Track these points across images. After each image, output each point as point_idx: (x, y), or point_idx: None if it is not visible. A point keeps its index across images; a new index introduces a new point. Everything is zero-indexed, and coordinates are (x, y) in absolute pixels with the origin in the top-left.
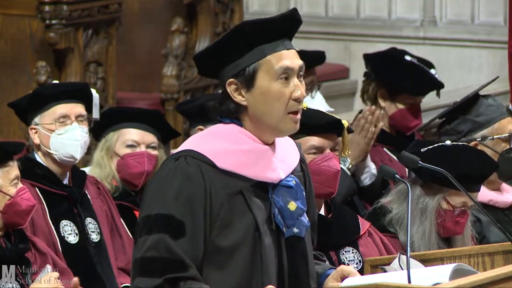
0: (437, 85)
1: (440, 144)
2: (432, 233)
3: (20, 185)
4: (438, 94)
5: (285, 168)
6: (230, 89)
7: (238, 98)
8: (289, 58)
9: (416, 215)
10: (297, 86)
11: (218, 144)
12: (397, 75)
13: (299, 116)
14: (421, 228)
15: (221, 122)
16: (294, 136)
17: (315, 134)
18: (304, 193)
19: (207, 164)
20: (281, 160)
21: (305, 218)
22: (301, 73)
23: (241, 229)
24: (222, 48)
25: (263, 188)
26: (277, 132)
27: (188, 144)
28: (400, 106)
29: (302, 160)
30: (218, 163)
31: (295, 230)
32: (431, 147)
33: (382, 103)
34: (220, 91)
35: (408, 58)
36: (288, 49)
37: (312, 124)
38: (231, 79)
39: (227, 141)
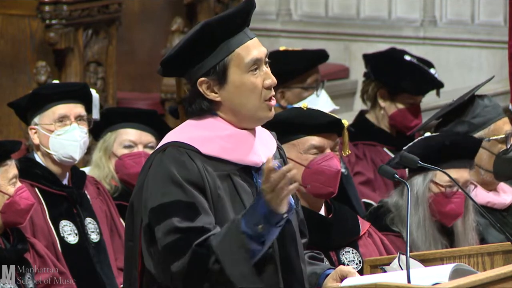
0: (437, 85)
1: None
2: (427, 220)
3: (18, 184)
4: (438, 94)
5: (267, 151)
6: (202, 88)
7: (211, 95)
8: (255, 48)
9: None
10: (267, 74)
11: (199, 132)
12: (397, 75)
13: (273, 102)
14: (416, 217)
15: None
16: (293, 136)
17: (315, 134)
18: None
19: (192, 151)
20: (262, 144)
21: (291, 200)
22: (267, 59)
23: (232, 213)
24: (188, 49)
25: (248, 173)
26: (255, 120)
27: (169, 137)
28: (400, 106)
29: (279, 147)
30: (202, 150)
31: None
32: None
33: (382, 103)
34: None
35: (407, 58)
36: (251, 38)
37: (312, 123)
38: (202, 78)
39: (206, 130)
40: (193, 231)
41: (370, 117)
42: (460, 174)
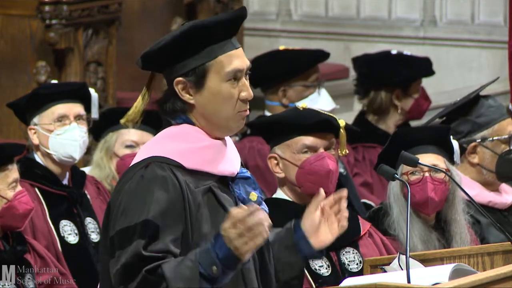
0: (426, 60)
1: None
2: (403, 214)
3: (18, 188)
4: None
5: (237, 160)
6: (178, 88)
7: (185, 96)
8: (239, 59)
9: (395, 206)
10: (244, 86)
11: (178, 145)
12: (398, 70)
13: (246, 113)
14: (402, 217)
15: (171, 124)
16: (287, 136)
17: (307, 133)
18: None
19: (175, 167)
20: (232, 153)
21: (265, 207)
22: (248, 71)
23: (217, 226)
24: (171, 48)
25: (224, 183)
26: (226, 130)
27: (147, 151)
28: (415, 95)
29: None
30: (185, 164)
31: None
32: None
33: (397, 103)
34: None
35: (393, 52)
36: (236, 48)
37: (304, 123)
38: (179, 78)
39: (184, 141)
40: (150, 259)
41: (371, 118)
42: (426, 159)
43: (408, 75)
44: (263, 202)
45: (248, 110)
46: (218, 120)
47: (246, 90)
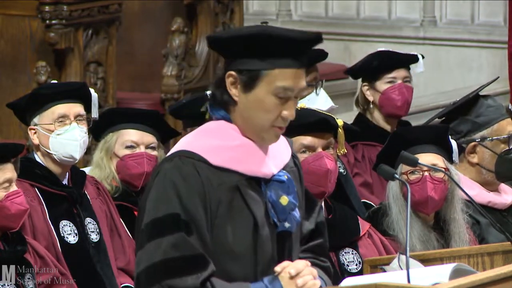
0: (407, 59)
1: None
2: (402, 214)
3: (13, 188)
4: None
5: (277, 163)
6: (228, 80)
7: (232, 91)
8: (294, 79)
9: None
10: (290, 106)
11: (209, 141)
12: (367, 63)
13: (283, 130)
14: (401, 216)
15: (211, 119)
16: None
17: (305, 133)
18: (295, 189)
19: (201, 162)
20: (273, 155)
21: (296, 213)
22: (302, 93)
23: (240, 225)
24: (239, 42)
25: (257, 183)
26: (258, 138)
27: (180, 145)
28: (382, 88)
29: (294, 156)
30: (211, 160)
31: (287, 224)
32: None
33: (370, 97)
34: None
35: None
36: (298, 68)
37: (301, 123)
38: (233, 72)
39: (217, 138)
40: (195, 258)
41: (370, 117)
42: (425, 158)
43: (373, 68)
44: (297, 209)
45: (284, 128)
46: (252, 126)
47: (289, 109)
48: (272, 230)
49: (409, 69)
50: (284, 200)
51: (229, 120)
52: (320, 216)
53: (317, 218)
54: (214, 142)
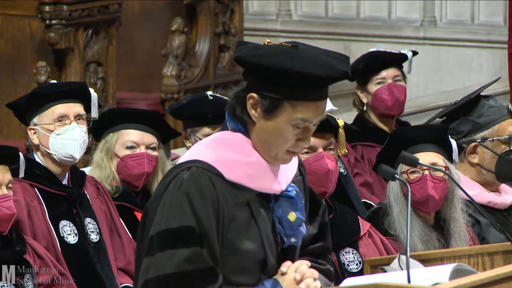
0: (394, 58)
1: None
2: (403, 213)
3: (3, 191)
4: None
5: (286, 177)
6: (249, 101)
7: (252, 112)
8: (315, 111)
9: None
10: (306, 135)
11: (226, 153)
12: (356, 64)
13: (295, 154)
14: (401, 216)
15: (228, 128)
16: None
17: None
18: (303, 201)
19: (216, 175)
20: (283, 169)
21: (303, 228)
22: (319, 122)
23: (249, 240)
24: (265, 69)
25: (265, 199)
26: (272, 159)
27: (196, 153)
28: (373, 89)
29: (300, 164)
30: (226, 175)
31: (293, 240)
32: None
33: (363, 99)
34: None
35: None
36: (320, 100)
37: None
38: (255, 95)
39: (234, 151)
40: (207, 271)
41: (369, 117)
42: (426, 157)
43: (360, 71)
44: (303, 224)
45: (298, 153)
46: (267, 148)
47: (306, 138)
48: (278, 246)
49: (400, 67)
50: (292, 216)
51: (246, 134)
52: (324, 218)
53: (320, 220)
54: (231, 155)
